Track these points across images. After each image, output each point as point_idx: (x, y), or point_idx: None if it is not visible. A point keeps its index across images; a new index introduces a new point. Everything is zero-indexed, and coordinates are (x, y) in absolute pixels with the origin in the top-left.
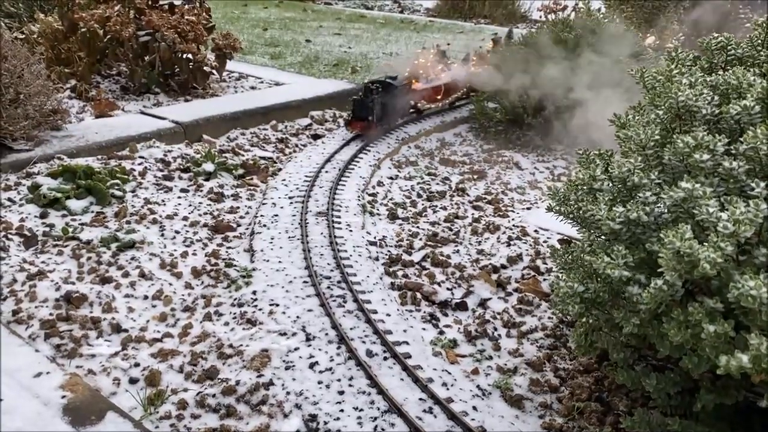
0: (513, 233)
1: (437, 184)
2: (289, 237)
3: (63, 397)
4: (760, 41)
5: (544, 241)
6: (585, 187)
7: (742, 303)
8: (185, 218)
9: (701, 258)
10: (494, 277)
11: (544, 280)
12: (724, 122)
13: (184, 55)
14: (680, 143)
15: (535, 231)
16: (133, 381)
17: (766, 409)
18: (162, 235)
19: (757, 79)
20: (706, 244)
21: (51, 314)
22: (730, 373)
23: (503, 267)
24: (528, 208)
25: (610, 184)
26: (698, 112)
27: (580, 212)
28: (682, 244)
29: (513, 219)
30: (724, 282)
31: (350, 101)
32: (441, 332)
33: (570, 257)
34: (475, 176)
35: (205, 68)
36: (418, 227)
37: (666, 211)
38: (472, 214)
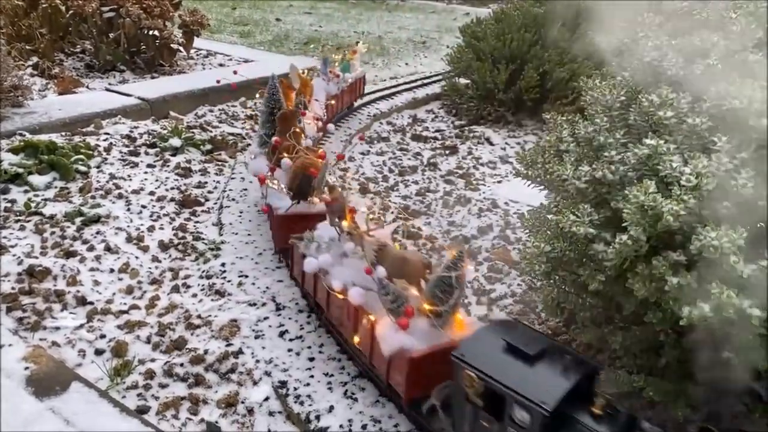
0: (484, 205)
1: (409, 159)
2: (258, 210)
3: (26, 368)
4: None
5: (515, 213)
6: (552, 150)
7: (704, 254)
8: (152, 193)
9: (665, 211)
10: (465, 247)
11: (514, 248)
12: (688, 84)
13: (150, 32)
14: (645, 102)
15: (506, 203)
16: (99, 352)
17: None
18: (128, 209)
19: (721, 41)
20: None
21: (13, 288)
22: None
23: (474, 237)
24: (499, 182)
25: (576, 146)
26: (663, 74)
27: (547, 175)
28: (646, 198)
29: (484, 192)
30: (687, 236)
31: None
32: None
33: (537, 221)
34: (447, 151)
35: (171, 45)
36: (389, 201)
37: (631, 169)
38: (444, 187)
